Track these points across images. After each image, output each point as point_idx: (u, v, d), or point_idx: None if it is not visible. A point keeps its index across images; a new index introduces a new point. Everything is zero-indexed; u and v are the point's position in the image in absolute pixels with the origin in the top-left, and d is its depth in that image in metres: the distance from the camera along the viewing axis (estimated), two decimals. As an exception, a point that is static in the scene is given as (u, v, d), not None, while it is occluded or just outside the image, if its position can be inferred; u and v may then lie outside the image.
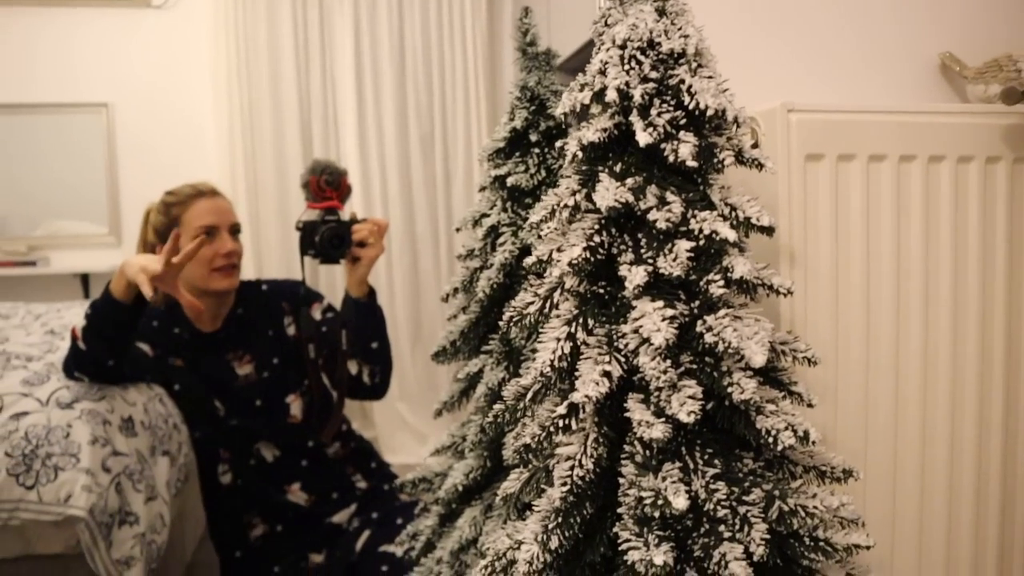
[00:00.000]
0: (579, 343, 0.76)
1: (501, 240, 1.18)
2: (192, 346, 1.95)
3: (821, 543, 0.76)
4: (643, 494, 0.69)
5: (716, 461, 0.73)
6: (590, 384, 0.73)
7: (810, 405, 0.81)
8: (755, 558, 0.70)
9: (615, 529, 0.73)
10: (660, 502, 0.67)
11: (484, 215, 1.23)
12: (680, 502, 0.66)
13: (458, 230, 1.28)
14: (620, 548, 0.70)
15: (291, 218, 3.63)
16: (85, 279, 3.88)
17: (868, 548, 0.77)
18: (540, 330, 0.79)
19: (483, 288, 1.18)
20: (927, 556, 1.14)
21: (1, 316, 2.67)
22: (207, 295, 1.91)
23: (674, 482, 0.68)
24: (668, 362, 0.71)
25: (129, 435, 1.68)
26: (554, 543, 0.74)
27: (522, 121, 1.19)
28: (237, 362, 1.97)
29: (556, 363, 0.76)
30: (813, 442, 0.73)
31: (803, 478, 0.81)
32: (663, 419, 0.70)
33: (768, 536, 0.71)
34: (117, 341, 1.68)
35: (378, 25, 3.81)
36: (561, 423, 0.76)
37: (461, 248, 1.28)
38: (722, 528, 0.71)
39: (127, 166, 3.92)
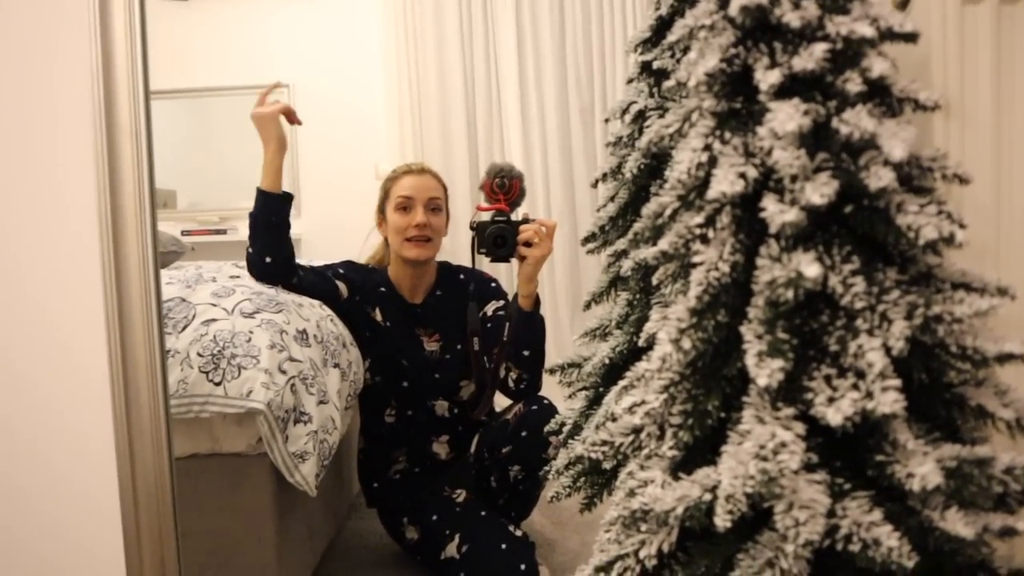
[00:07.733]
0: (716, 153, 0.78)
1: (647, 123, 1.21)
2: (392, 307, 2.13)
3: (969, 351, 0.73)
4: (775, 274, 0.69)
5: (854, 258, 0.73)
6: (725, 182, 0.74)
7: (961, 225, 0.79)
8: (894, 352, 0.69)
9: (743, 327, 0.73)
10: (792, 276, 0.67)
11: (632, 103, 1.26)
12: (813, 269, 0.66)
13: (607, 121, 1.31)
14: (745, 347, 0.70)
15: (456, 194, 3.83)
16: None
17: None
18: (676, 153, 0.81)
19: (630, 169, 1.20)
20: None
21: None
22: (406, 265, 2.10)
23: (809, 260, 0.68)
24: (802, 150, 0.71)
25: (303, 345, 1.82)
26: (687, 343, 0.76)
27: (668, 8, 1.21)
28: (426, 338, 2.14)
29: (693, 171, 0.78)
30: (960, 244, 0.71)
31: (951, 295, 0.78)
32: (796, 207, 0.70)
33: (908, 333, 0.70)
34: (272, 235, 1.95)
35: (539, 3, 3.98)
36: (699, 231, 0.77)
37: (610, 136, 1.31)
38: (859, 322, 0.71)
39: (305, 145, 4.23)
